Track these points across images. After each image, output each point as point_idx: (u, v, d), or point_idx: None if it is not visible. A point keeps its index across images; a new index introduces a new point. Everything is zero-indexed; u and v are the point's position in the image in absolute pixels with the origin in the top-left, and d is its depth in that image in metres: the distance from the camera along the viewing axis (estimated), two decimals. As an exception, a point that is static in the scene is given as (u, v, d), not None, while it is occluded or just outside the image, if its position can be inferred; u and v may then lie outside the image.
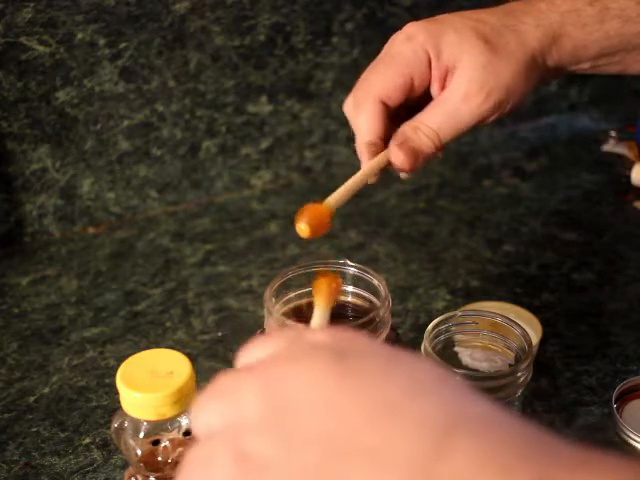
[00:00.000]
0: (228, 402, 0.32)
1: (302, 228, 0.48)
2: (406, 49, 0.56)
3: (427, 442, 0.28)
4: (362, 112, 0.56)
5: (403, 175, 0.59)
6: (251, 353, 0.35)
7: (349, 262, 0.55)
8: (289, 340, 0.34)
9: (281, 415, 0.30)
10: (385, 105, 0.56)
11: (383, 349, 0.33)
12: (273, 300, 0.52)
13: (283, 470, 0.29)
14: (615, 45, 0.58)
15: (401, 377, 0.31)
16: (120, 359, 0.53)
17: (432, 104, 0.56)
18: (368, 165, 0.55)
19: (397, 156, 0.55)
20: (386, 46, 0.58)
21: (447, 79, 0.56)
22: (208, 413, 0.33)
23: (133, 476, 0.50)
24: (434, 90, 0.57)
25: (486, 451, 0.28)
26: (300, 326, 0.48)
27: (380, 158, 0.56)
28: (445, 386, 0.31)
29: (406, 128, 0.56)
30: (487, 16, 0.57)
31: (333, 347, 0.32)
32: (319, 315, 0.41)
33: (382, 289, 0.53)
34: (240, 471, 0.30)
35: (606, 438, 0.60)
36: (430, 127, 0.55)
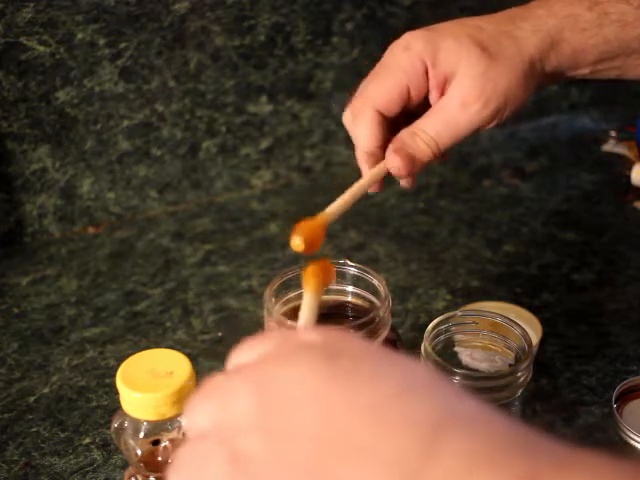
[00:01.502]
0: (219, 403, 0.32)
1: (297, 244, 0.48)
2: (403, 59, 0.56)
3: (416, 442, 0.28)
4: (360, 123, 0.56)
5: (403, 183, 0.59)
6: (241, 355, 0.35)
7: (349, 262, 0.55)
8: (279, 340, 0.34)
9: (273, 414, 0.30)
10: (382, 115, 0.56)
11: (374, 350, 0.33)
12: (273, 300, 0.52)
13: (275, 470, 0.30)
14: (614, 50, 0.58)
15: (392, 378, 0.31)
16: (120, 359, 0.53)
17: (430, 111, 0.57)
18: (367, 176, 0.56)
19: (393, 162, 0.55)
20: (384, 56, 0.58)
21: (445, 87, 0.56)
22: (200, 414, 0.33)
23: (133, 476, 0.50)
24: (432, 98, 0.57)
25: (474, 450, 0.28)
26: (292, 327, 0.48)
27: (379, 167, 0.56)
28: (435, 387, 0.31)
29: (403, 134, 0.56)
30: (485, 23, 0.57)
31: (324, 347, 0.33)
32: (308, 304, 0.41)
33: (382, 289, 0.53)
34: (234, 471, 0.30)
35: (606, 438, 0.60)
36: (428, 134, 0.56)
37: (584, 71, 0.59)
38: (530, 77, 0.56)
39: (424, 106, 0.57)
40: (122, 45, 0.81)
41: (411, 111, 0.58)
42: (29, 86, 0.79)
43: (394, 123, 0.58)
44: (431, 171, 0.96)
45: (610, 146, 0.98)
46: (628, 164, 0.93)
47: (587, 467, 0.28)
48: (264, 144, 0.93)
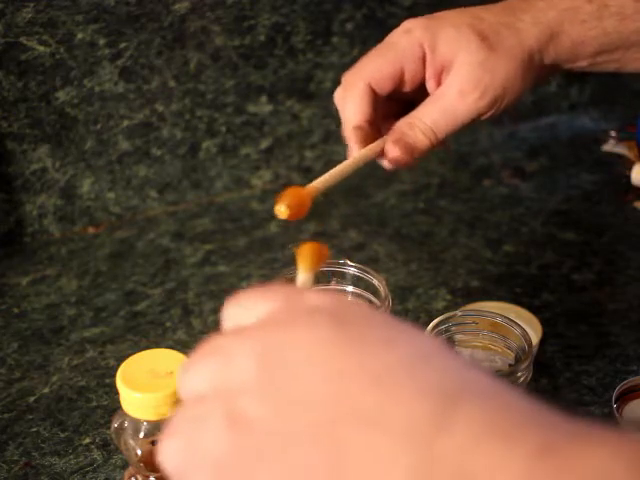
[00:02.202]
0: (218, 365, 0.31)
1: (282, 210, 0.48)
2: (401, 41, 0.56)
3: (427, 411, 0.28)
4: (350, 96, 0.56)
5: (386, 165, 0.58)
6: (240, 314, 0.33)
7: (349, 262, 0.55)
8: (283, 301, 0.33)
9: (277, 377, 0.29)
10: (373, 91, 0.56)
11: (382, 318, 0.33)
12: (273, 300, 0.52)
13: (279, 432, 0.28)
14: (613, 42, 0.58)
15: (402, 346, 0.30)
16: (120, 359, 0.53)
17: (428, 100, 0.57)
18: (358, 154, 0.55)
19: (393, 152, 0.56)
20: (384, 39, 0.58)
21: (443, 75, 0.56)
22: (198, 374, 0.31)
23: (133, 476, 0.50)
24: (430, 86, 0.57)
25: (487, 420, 0.27)
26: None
27: (371, 148, 0.56)
28: (445, 357, 0.31)
29: (401, 124, 0.56)
30: (485, 13, 0.57)
31: (330, 312, 0.32)
32: (303, 281, 0.41)
33: (382, 289, 0.53)
34: (234, 433, 0.29)
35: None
36: (425, 123, 0.56)
37: (583, 63, 0.59)
38: (529, 68, 0.57)
39: (422, 95, 0.57)
40: (122, 45, 0.81)
41: (408, 98, 0.58)
42: (29, 86, 0.79)
43: (392, 113, 0.58)
44: (431, 171, 0.96)
45: (610, 146, 0.98)
46: (628, 164, 0.93)
47: (603, 441, 0.27)
48: (264, 144, 0.93)
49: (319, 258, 0.42)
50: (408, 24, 0.57)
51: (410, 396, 0.28)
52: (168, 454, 0.31)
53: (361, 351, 0.30)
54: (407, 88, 0.57)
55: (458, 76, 0.55)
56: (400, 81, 0.57)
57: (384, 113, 0.58)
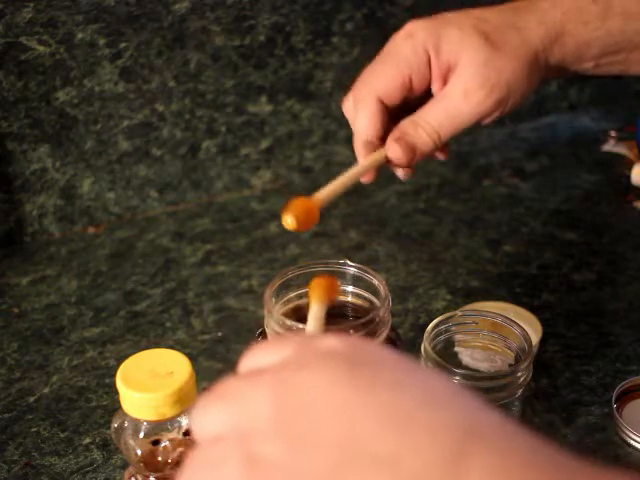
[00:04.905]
0: (237, 405, 0.31)
1: (289, 222, 0.48)
2: (406, 48, 0.56)
3: (439, 456, 0.28)
4: (361, 111, 0.56)
5: (401, 174, 0.58)
6: (256, 358, 0.34)
7: (349, 262, 0.55)
8: (298, 346, 0.33)
9: (293, 419, 0.30)
10: (383, 104, 0.56)
11: (395, 358, 0.33)
12: (273, 300, 0.52)
13: (294, 475, 0.29)
14: (618, 43, 0.58)
15: (415, 388, 0.30)
16: (120, 359, 0.54)
17: (432, 101, 0.56)
18: (363, 162, 0.55)
19: (393, 150, 0.55)
20: (387, 45, 0.58)
21: (447, 77, 0.56)
22: (213, 415, 0.32)
23: (133, 476, 0.50)
24: (435, 88, 0.57)
25: (501, 466, 0.27)
26: (304, 332, 0.48)
27: (376, 156, 0.56)
28: (458, 399, 0.31)
29: (405, 123, 0.56)
30: (489, 14, 0.57)
31: (344, 354, 0.32)
32: (314, 314, 0.41)
33: (382, 289, 0.53)
34: (250, 475, 0.29)
35: (606, 438, 0.60)
36: (430, 124, 0.55)
37: (588, 65, 0.59)
38: (534, 69, 0.56)
39: (426, 97, 0.57)
40: (122, 45, 0.81)
41: (413, 102, 0.58)
42: (29, 86, 0.79)
43: (395, 114, 0.58)
44: (431, 171, 0.96)
45: (610, 146, 0.98)
46: (628, 164, 0.93)
47: None
48: (264, 144, 0.93)
49: (331, 291, 0.42)
50: (410, 27, 0.56)
51: (422, 440, 0.28)
52: None
53: (374, 394, 0.30)
54: (415, 93, 0.57)
55: (463, 76, 0.55)
56: (409, 89, 0.56)
57: (391, 117, 0.58)
